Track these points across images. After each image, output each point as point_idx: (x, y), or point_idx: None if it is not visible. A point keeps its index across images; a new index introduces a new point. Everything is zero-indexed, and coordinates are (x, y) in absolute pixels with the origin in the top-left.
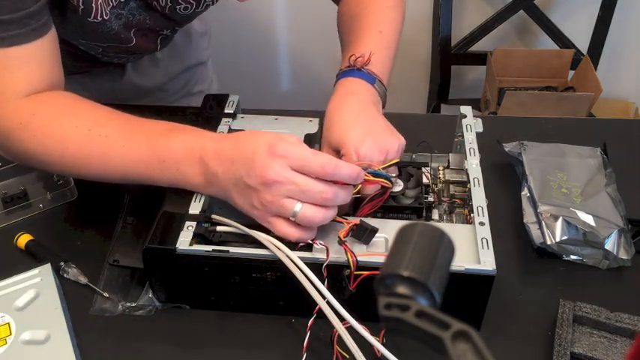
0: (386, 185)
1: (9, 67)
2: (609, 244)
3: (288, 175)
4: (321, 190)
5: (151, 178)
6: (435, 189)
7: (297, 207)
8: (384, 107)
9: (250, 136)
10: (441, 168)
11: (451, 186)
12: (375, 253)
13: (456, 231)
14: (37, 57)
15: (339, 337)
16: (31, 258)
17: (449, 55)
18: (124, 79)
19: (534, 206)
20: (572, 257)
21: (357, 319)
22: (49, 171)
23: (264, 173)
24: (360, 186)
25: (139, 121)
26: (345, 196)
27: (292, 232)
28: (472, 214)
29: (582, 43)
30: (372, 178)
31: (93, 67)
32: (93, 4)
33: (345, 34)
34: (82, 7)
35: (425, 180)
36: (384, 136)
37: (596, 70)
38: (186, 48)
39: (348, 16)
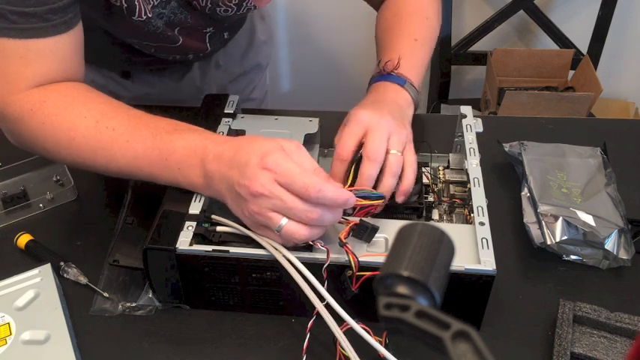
0: (379, 205)
1: (27, 58)
2: (609, 244)
3: (273, 189)
4: (306, 209)
5: (153, 174)
6: (435, 189)
7: (283, 222)
8: (416, 110)
9: (249, 143)
10: (441, 168)
11: (451, 186)
12: (376, 253)
13: (455, 231)
14: (55, 52)
15: None
16: (31, 258)
17: (449, 55)
18: (185, 79)
19: (534, 206)
20: (572, 257)
21: (360, 320)
22: (56, 160)
23: (250, 184)
24: None
25: (146, 117)
26: (332, 218)
27: (283, 242)
28: (472, 214)
29: (582, 43)
30: (363, 201)
31: (163, 65)
32: (135, 2)
33: (381, 39)
34: (126, 5)
35: (425, 180)
36: (389, 118)
37: (596, 70)
38: (247, 52)
39: (386, 25)
